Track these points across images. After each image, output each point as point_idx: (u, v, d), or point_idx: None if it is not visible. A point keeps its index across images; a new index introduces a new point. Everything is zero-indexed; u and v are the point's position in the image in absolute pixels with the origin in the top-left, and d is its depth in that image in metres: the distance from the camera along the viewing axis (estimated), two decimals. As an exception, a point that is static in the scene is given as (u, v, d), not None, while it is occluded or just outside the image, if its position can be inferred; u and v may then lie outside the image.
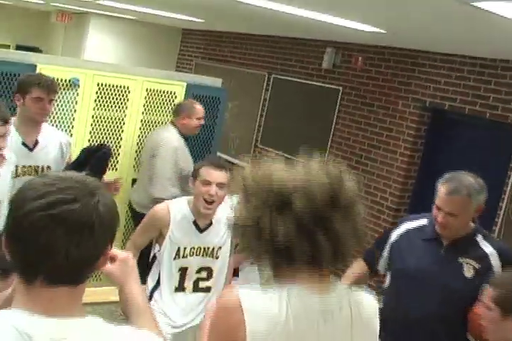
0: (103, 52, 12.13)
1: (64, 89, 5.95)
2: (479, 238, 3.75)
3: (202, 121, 6.38)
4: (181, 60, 12.92)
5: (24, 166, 4.77)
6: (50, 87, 4.83)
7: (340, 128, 8.99)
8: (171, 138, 6.14)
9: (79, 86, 6.05)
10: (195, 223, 4.25)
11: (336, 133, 9.04)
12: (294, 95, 9.86)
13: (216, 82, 7.31)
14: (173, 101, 6.66)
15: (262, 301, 2.08)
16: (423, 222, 3.86)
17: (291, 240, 2.06)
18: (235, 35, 11.40)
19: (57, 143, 5.06)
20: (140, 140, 6.55)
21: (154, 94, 6.57)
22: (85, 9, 11.68)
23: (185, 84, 6.77)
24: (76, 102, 6.09)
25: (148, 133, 6.55)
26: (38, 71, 5.66)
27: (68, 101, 6.03)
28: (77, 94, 6.08)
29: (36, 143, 4.89)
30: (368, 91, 8.68)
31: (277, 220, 2.08)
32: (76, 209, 1.65)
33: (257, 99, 10.61)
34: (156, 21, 11.92)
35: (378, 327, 2.28)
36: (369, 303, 2.27)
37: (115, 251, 2.13)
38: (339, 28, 6.69)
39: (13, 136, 4.61)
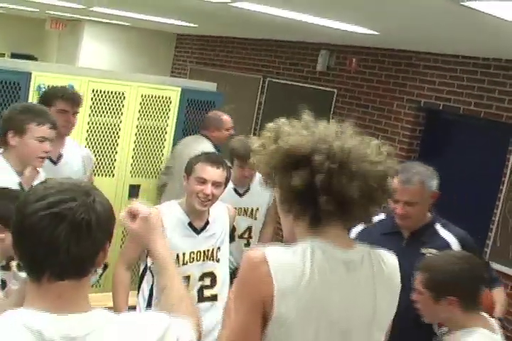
0: (98, 59, 12.13)
1: (59, 97, 5.96)
2: (438, 226, 3.85)
3: (232, 131, 6.43)
4: (176, 66, 12.93)
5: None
6: (74, 99, 4.87)
7: (336, 130, 8.97)
8: (208, 150, 6.10)
9: (74, 93, 6.06)
10: (190, 225, 4.00)
11: (331, 135, 9.03)
12: (289, 98, 9.87)
13: (211, 86, 7.33)
14: (168, 106, 6.68)
15: (287, 255, 2.12)
16: (381, 216, 3.87)
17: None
18: (229, 39, 11.41)
19: (80, 157, 5.05)
20: (136, 145, 6.56)
21: (149, 100, 6.58)
22: (79, 16, 11.70)
23: (180, 89, 6.79)
24: (72, 109, 6.10)
25: (144, 138, 6.56)
26: (33, 79, 5.68)
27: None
28: (73, 101, 6.09)
29: (60, 156, 4.90)
30: (363, 92, 8.70)
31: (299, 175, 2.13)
32: (74, 207, 1.78)
33: (252, 102, 10.62)
34: (149, 27, 11.93)
35: (400, 284, 2.37)
36: (390, 261, 2.36)
37: (138, 207, 2.36)
38: (333, 31, 6.71)
39: None
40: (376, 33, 6.47)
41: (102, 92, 6.25)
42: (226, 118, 6.51)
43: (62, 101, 4.78)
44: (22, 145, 3.96)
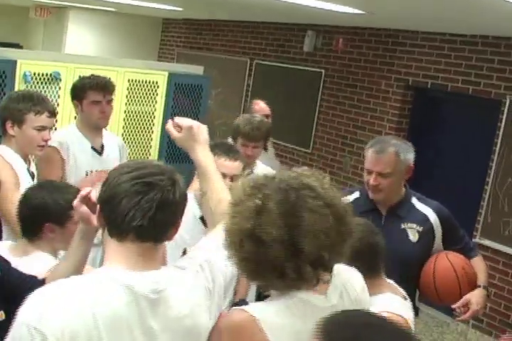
0: (84, 46, 12.07)
1: (46, 84, 5.94)
2: (414, 200, 3.78)
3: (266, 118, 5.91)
4: (163, 50, 12.88)
5: (97, 171, 4.67)
6: (105, 88, 4.68)
7: (325, 111, 8.99)
8: None
9: (60, 80, 6.04)
10: (202, 219, 3.54)
11: (320, 116, 9.05)
12: (277, 80, 9.86)
13: (198, 69, 7.31)
14: (155, 91, 6.66)
15: (277, 315, 2.06)
16: (355, 195, 3.84)
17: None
18: (215, 22, 11.37)
19: (116, 146, 5.00)
20: (124, 131, 6.54)
21: (137, 85, 6.55)
22: (63, 3, 11.62)
23: (167, 73, 6.77)
24: (58, 96, 6.08)
25: (132, 123, 6.55)
26: (18, 66, 5.65)
27: (50, 96, 6.01)
28: (59, 88, 6.07)
29: (102, 147, 4.84)
30: (351, 72, 8.69)
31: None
32: (164, 179, 2.06)
33: (240, 85, 10.59)
34: (135, 12, 11.87)
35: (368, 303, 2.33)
36: (359, 284, 2.31)
37: (182, 120, 2.64)
38: (319, 11, 6.69)
39: (82, 141, 4.67)
40: (362, 12, 6.46)
41: (89, 79, 6.22)
42: (257, 106, 6.31)
43: (92, 92, 4.59)
44: (21, 135, 3.93)
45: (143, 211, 2.01)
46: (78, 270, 2.43)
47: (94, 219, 2.24)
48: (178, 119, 2.68)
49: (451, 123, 7.71)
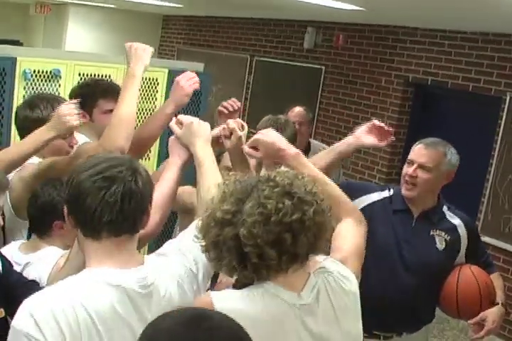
0: (84, 43, 12.07)
1: (46, 81, 5.93)
2: (445, 209, 3.72)
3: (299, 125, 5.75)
4: (163, 47, 12.88)
5: None
6: (116, 94, 3.69)
7: (325, 108, 8.99)
8: None
9: (60, 77, 6.03)
10: None
11: (320, 113, 9.05)
12: (277, 76, 9.85)
13: (198, 66, 7.28)
14: (155, 88, 6.64)
15: (236, 301, 2.05)
16: (385, 193, 3.74)
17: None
18: (215, 19, 11.36)
19: None
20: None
21: (137, 82, 6.53)
22: (63, 0, 11.62)
23: (167, 70, 6.74)
24: (58, 93, 6.06)
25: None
26: (18, 63, 5.63)
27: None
28: (59, 86, 6.06)
29: None
30: (351, 69, 8.69)
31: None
32: (123, 170, 2.07)
33: (240, 82, 10.59)
34: (135, 9, 11.86)
35: (355, 291, 2.26)
36: (345, 281, 2.23)
37: (182, 117, 2.77)
38: (319, 8, 6.68)
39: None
40: (362, 8, 6.45)
41: (89, 76, 6.21)
42: (292, 112, 6.04)
43: (104, 101, 3.94)
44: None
45: (109, 206, 2.03)
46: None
47: None
48: (180, 117, 2.80)
49: (451, 120, 7.70)
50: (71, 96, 4.10)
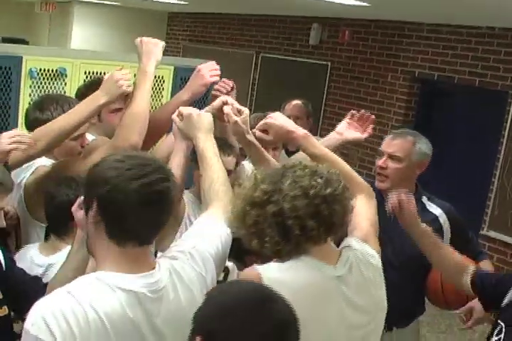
0: (90, 41, 12.07)
1: (51, 80, 5.93)
2: (425, 200, 3.70)
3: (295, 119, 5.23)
4: (169, 44, 12.85)
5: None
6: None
7: (331, 104, 8.99)
8: None
9: (66, 76, 6.03)
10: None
11: (326, 109, 9.04)
12: (283, 73, 9.85)
13: (203, 63, 7.28)
14: (161, 85, 6.64)
15: (282, 272, 2.23)
16: None
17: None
18: (220, 16, 11.35)
19: None
20: (131, 126, 6.52)
21: (142, 80, 6.53)
22: (68, -3, 11.64)
23: (172, 67, 6.74)
24: (65, 92, 6.07)
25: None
26: (24, 62, 5.63)
27: (57, 92, 6.01)
28: (65, 84, 6.06)
29: None
30: (357, 65, 8.67)
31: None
32: (170, 186, 2.07)
33: (246, 78, 10.58)
34: (140, 6, 11.86)
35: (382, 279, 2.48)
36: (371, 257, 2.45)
37: (183, 109, 2.78)
38: (324, 3, 6.67)
39: None
40: (367, 4, 6.44)
41: (95, 74, 6.20)
42: (289, 105, 5.90)
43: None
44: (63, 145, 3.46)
45: (148, 220, 2.05)
46: (80, 272, 2.40)
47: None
48: (181, 108, 2.84)
49: (458, 115, 7.69)
50: (77, 96, 4.02)
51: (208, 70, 3.63)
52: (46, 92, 5.84)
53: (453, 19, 7.16)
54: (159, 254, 2.42)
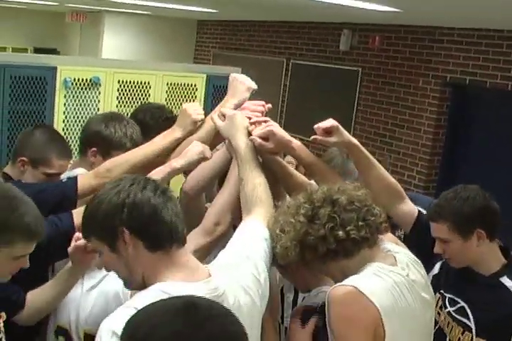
0: (120, 50, 12.16)
1: (86, 89, 5.98)
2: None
3: None
4: (199, 52, 12.93)
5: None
6: (137, 139, 3.59)
7: (363, 109, 8.98)
8: None
9: (100, 85, 6.08)
10: None
11: (358, 115, 9.04)
12: (313, 79, 9.86)
13: (235, 71, 7.30)
14: (194, 93, 6.68)
15: (373, 281, 2.25)
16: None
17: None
18: (250, 23, 11.39)
19: None
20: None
21: (175, 88, 6.56)
22: (99, 8, 11.72)
23: (205, 75, 6.78)
24: (99, 101, 6.12)
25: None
26: (58, 72, 5.68)
27: (91, 101, 6.07)
28: (99, 93, 6.11)
29: None
30: (388, 70, 8.66)
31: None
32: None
33: (277, 85, 10.60)
34: (170, 15, 11.92)
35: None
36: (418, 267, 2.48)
37: (225, 110, 2.86)
38: (354, 10, 6.68)
39: None
40: (398, 10, 6.43)
41: (128, 83, 6.26)
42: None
43: (117, 153, 3.39)
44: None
45: (178, 217, 2.13)
46: (57, 300, 2.71)
47: (87, 262, 2.56)
48: (223, 110, 2.90)
49: (490, 119, 7.65)
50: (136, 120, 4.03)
51: (251, 106, 3.20)
52: (80, 102, 5.90)
53: (484, 23, 7.13)
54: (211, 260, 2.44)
